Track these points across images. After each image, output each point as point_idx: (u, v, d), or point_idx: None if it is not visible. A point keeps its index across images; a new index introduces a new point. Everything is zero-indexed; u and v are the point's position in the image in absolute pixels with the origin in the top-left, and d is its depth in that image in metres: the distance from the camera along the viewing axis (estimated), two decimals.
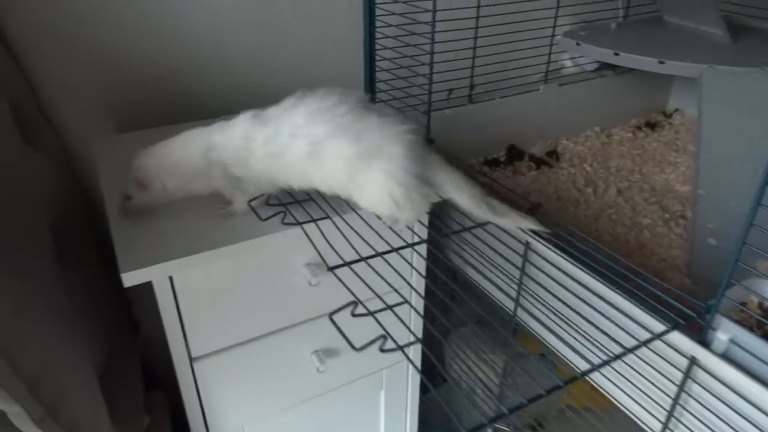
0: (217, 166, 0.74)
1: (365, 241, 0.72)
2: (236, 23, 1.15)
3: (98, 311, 0.87)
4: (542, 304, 0.81)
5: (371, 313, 0.57)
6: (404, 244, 0.75)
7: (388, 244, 0.72)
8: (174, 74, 1.13)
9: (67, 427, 0.60)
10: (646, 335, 0.68)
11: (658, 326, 0.68)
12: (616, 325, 0.71)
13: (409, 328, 0.59)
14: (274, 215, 0.74)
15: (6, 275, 0.60)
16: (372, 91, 1.20)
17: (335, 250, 0.69)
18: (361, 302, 0.58)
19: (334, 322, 0.56)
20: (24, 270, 0.67)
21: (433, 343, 0.70)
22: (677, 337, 0.68)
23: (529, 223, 0.77)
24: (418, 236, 0.81)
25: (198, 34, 1.12)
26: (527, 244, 0.84)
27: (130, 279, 0.68)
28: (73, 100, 1.05)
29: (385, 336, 0.55)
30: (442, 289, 0.77)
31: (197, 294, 0.77)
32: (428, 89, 1.04)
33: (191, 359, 0.81)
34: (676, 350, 0.69)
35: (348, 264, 0.67)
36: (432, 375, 0.94)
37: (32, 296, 0.64)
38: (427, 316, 0.79)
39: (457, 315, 0.69)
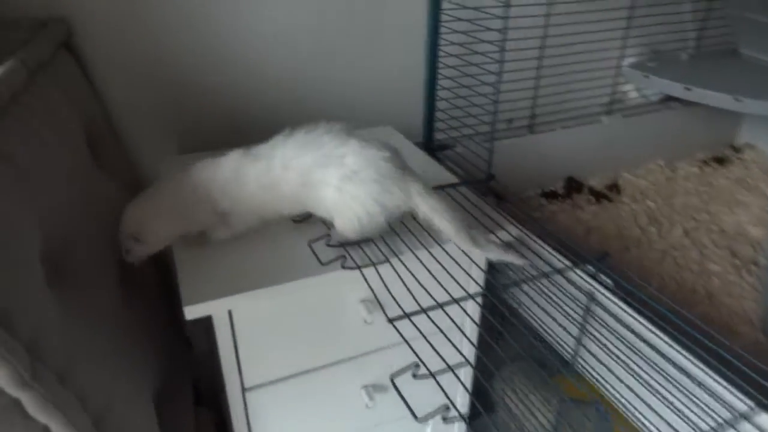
0: (204, 203, 0.75)
1: (423, 287, 0.71)
2: (298, 51, 1.16)
3: (157, 334, 0.89)
4: (606, 354, 0.77)
5: (433, 376, 0.55)
6: (464, 294, 0.73)
7: (448, 293, 0.71)
8: (234, 100, 1.15)
9: None
10: (722, 411, 0.64)
11: (737, 403, 0.64)
12: (688, 395, 0.67)
13: (470, 394, 0.57)
14: (336, 259, 0.74)
15: (79, 319, 0.62)
16: (431, 119, 1.19)
17: (395, 299, 0.68)
18: (423, 363, 0.57)
19: (395, 386, 0.56)
20: (93, 300, 0.69)
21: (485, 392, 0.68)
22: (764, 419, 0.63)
23: (512, 257, 0.76)
24: (479, 285, 0.78)
25: (260, 62, 1.14)
26: (590, 295, 0.81)
27: (192, 312, 0.69)
28: (140, 123, 1.08)
29: (448, 406, 0.53)
30: (497, 336, 0.75)
31: (254, 327, 0.78)
32: (492, 119, 1.01)
33: (244, 389, 0.81)
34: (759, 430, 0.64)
35: (408, 316, 0.66)
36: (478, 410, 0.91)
37: (100, 331, 0.66)
38: (482, 369, 0.77)
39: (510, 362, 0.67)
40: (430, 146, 1.20)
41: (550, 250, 0.86)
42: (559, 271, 0.82)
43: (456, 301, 0.70)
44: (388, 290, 0.69)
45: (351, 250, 0.77)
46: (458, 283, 0.74)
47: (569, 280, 0.83)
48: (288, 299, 0.78)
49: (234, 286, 0.72)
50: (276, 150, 0.77)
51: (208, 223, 0.78)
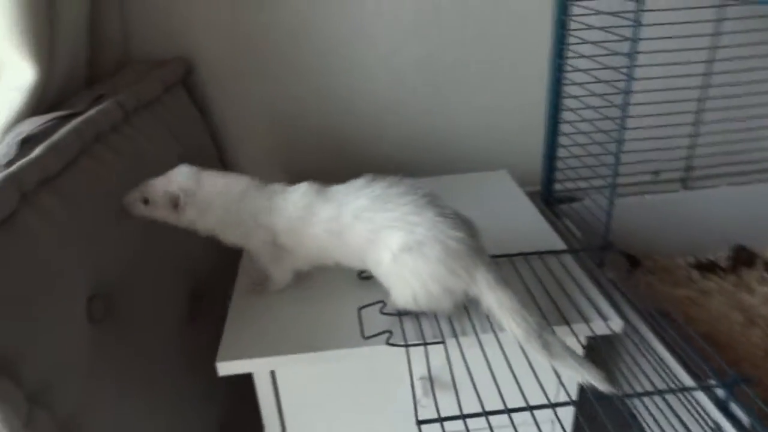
0: (263, 230, 0.70)
1: (495, 381, 0.58)
2: (406, 84, 1.10)
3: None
4: None
5: None
6: (545, 401, 0.58)
7: (522, 394, 0.57)
8: (341, 138, 1.12)
9: None
10: None
11: None
12: None
13: None
14: (379, 334, 0.65)
15: (124, 352, 0.62)
16: (551, 166, 1.03)
17: (455, 389, 0.58)
18: None
19: None
20: (144, 336, 0.69)
21: None
22: None
23: (591, 377, 0.58)
24: (567, 394, 0.62)
25: (371, 99, 1.10)
26: (717, 427, 0.60)
27: (227, 368, 0.65)
28: (248, 155, 1.11)
29: None
30: None
31: (299, 390, 0.72)
32: (613, 170, 0.82)
33: None
34: None
35: (462, 417, 0.55)
36: None
37: (145, 368, 0.66)
38: None
39: None
40: (549, 198, 1.04)
41: (669, 358, 0.67)
42: (678, 390, 0.63)
43: (530, 408, 0.56)
44: (452, 377, 0.59)
45: (409, 321, 0.68)
46: (539, 382, 0.59)
47: (694, 401, 0.63)
48: (336, 367, 0.71)
49: (275, 347, 0.66)
50: (350, 197, 0.70)
51: (255, 251, 0.73)
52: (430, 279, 0.64)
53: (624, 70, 0.76)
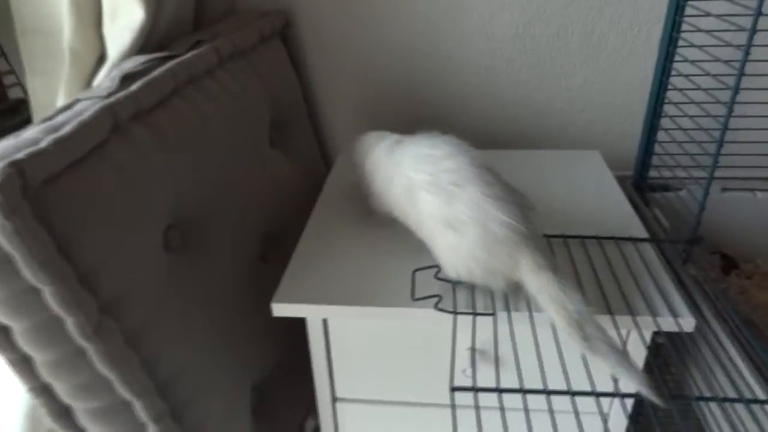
0: (363, 175, 0.79)
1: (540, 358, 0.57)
2: (513, 57, 1.05)
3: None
4: None
5: None
6: (611, 389, 0.55)
7: (566, 376, 0.55)
8: (430, 96, 1.11)
9: None
10: None
11: None
12: None
13: None
14: (427, 297, 0.65)
15: (193, 284, 0.68)
16: (647, 149, 0.95)
17: (497, 363, 0.57)
18: None
19: None
20: (217, 268, 0.74)
21: None
22: None
23: (632, 378, 0.53)
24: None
25: (461, 57, 1.07)
26: None
27: (281, 310, 0.69)
28: (338, 107, 1.14)
29: None
30: None
31: (349, 341, 0.74)
32: (713, 161, 0.74)
33: (334, 399, 0.79)
34: None
35: (498, 391, 0.54)
36: None
37: (212, 300, 0.72)
38: None
39: None
40: (641, 184, 0.97)
41: (743, 367, 0.61)
42: (748, 402, 0.57)
43: (594, 393, 0.54)
44: (495, 351, 0.58)
45: (462, 290, 0.67)
46: (587, 370, 0.57)
47: (764, 415, 0.57)
48: (386, 324, 0.72)
49: (331, 295, 0.69)
50: (406, 147, 0.72)
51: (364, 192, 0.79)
52: (471, 259, 0.62)
53: (732, 64, 0.68)
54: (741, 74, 0.67)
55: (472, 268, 0.63)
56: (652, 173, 0.95)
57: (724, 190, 0.95)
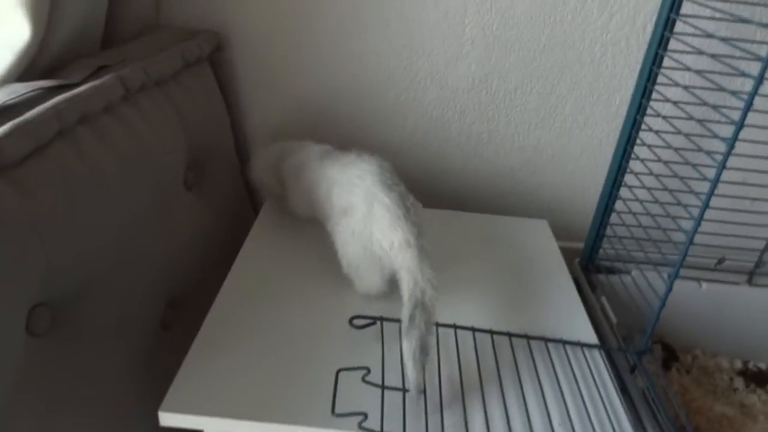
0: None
1: None
2: (465, 109, 0.98)
3: None
4: None
5: None
6: None
7: None
8: (370, 134, 1.01)
9: None
10: None
11: None
12: None
13: None
14: (350, 415, 0.55)
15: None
16: (599, 226, 0.89)
17: None
18: None
19: None
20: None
21: None
22: None
23: (412, 378, 0.57)
24: None
25: (419, 112, 0.98)
26: None
27: (170, 420, 0.56)
28: (267, 137, 1.02)
29: None
30: None
31: None
32: (683, 249, 0.68)
33: None
34: None
35: None
36: None
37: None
38: None
39: None
40: (588, 265, 0.91)
41: None
42: None
43: None
44: None
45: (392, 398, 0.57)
46: None
47: None
48: None
49: (231, 405, 0.57)
50: (335, 157, 0.77)
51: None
52: (359, 244, 0.69)
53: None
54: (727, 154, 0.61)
55: (360, 255, 0.68)
56: (607, 253, 0.89)
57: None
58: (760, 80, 0.57)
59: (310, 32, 0.92)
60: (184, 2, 0.90)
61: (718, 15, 0.73)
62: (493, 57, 0.93)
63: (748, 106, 0.58)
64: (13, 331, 0.52)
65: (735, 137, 0.59)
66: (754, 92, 0.57)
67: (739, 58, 0.63)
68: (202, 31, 0.89)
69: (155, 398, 0.59)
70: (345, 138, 0.99)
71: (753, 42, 0.81)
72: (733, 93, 0.61)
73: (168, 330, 0.75)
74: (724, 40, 0.66)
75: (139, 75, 0.72)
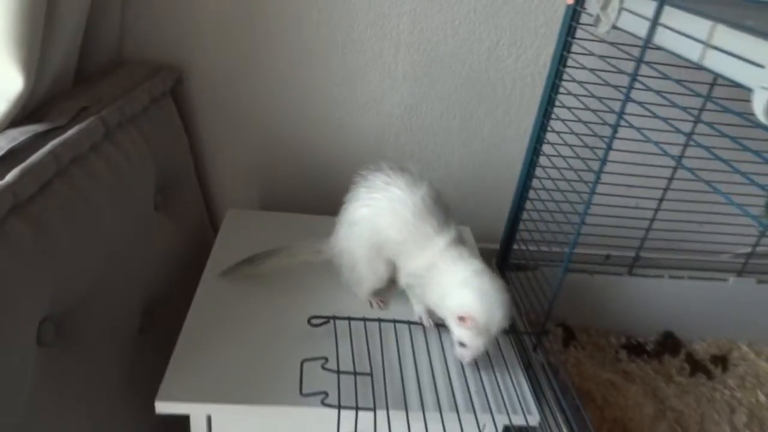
0: None
1: None
2: (399, 132, 1.13)
3: None
4: None
5: None
6: None
7: None
8: (324, 168, 1.15)
9: None
10: None
11: None
12: None
13: None
14: (314, 394, 0.69)
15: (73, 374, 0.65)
16: (512, 228, 1.07)
17: None
18: None
19: None
20: (97, 356, 0.71)
21: None
22: None
23: None
24: None
25: (360, 137, 1.12)
26: None
27: (166, 408, 0.68)
28: (228, 173, 1.13)
29: None
30: None
31: None
32: (570, 245, 0.84)
33: None
34: None
35: None
36: None
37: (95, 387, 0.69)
38: None
39: None
40: (503, 263, 1.09)
41: None
42: None
43: None
44: None
45: (347, 381, 0.72)
46: None
47: None
48: (273, 421, 0.75)
49: (213, 392, 0.70)
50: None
51: None
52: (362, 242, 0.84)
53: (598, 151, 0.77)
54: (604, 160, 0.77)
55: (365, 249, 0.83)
56: (517, 252, 1.07)
57: (570, 271, 1.11)
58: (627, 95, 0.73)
59: (263, 68, 1.04)
60: (146, 38, 1.00)
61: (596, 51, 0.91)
62: (421, 88, 1.09)
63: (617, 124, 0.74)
64: (28, 343, 0.62)
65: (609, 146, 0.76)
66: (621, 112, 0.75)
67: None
68: (164, 66, 0.99)
69: (140, 391, 0.71)
70: (296, 160, 1.12)
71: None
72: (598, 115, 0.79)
73: (144, 335, 0.86)
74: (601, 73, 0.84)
75: (116, 114, 0.82)
